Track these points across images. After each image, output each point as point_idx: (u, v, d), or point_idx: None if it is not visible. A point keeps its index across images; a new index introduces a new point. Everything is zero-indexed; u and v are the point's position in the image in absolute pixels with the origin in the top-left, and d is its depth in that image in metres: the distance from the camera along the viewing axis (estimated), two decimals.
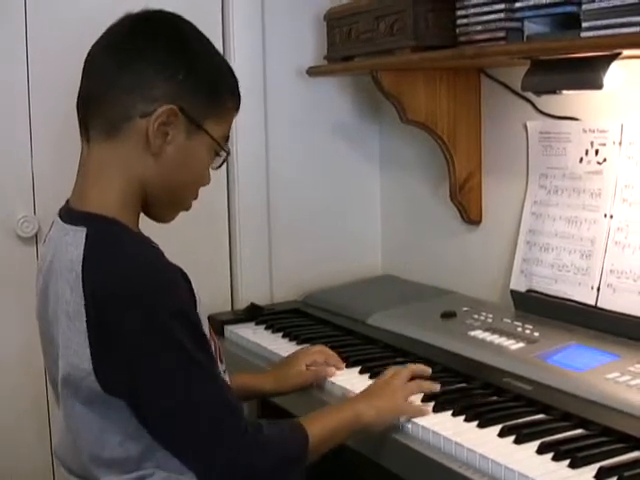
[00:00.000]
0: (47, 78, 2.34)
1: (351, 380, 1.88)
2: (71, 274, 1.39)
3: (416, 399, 1.71)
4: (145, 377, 1.37)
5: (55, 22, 2.35)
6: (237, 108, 1.59)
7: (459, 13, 2.00)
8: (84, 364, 1.38)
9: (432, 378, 1.82)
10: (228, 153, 1.58)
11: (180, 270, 1.45)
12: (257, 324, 2.40)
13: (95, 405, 1.41)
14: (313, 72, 2.61)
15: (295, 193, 2.73)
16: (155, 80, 1.45)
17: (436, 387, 1.75)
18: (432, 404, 1.68)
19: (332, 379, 1.89)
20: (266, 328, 2.36)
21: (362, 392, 1.73)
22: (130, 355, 1.36)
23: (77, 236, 1.42)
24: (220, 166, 1.59)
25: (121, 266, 1.38)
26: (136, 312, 1.35)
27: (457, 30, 2.01)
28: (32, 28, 2.33)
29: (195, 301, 1.47)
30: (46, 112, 2.35)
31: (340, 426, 1.59)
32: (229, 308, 2.65)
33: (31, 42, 2.33)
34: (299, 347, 2.13)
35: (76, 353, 1.38)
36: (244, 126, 2.51)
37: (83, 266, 1.38)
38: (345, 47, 2.41)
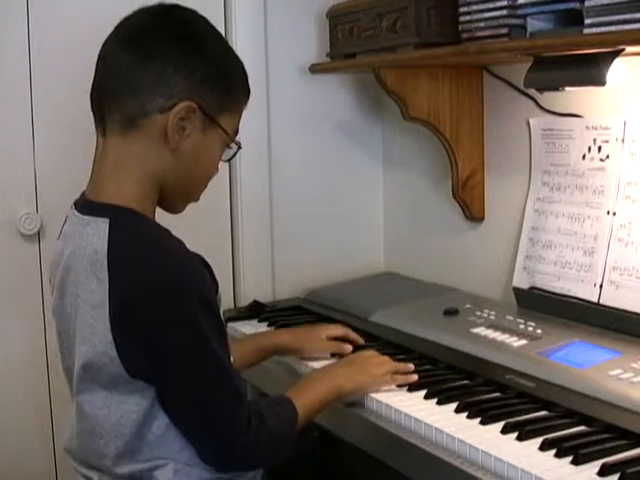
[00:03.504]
0: (50, 74, 2.34)
1: None
2: (96, 265, 1.41)
3: (419, 395, 1.72)
4: (167, 363, 1.41)
5: (57, 16, 2.34)
6: (247, 101, 1.62)
7: (461, 10, 1.99)
8: (109, 351, 1.40)
9: (436, 375, 1.85)
10: (240, 147, 1.61)
11: (201, 258, 1.47)
12: (260, 321, 2.40)
13: (117, 389, 1.43)
14: (315, 69, 2.61)
15: (297, 190, 2.73)
16: (174, 77, 1.46)
17: (410, 367, 1.81)
18: (435, 400, 1.69)
19: None
20: (269, 325, 2.36)
21: (341, 363, 1.83)
22: (154, 342, 1.40)
23: (100, 227, 1.44)
24: (231, 158, 1.63)
25: (145, 256, 1.41)
26: (161, 301, 1.39)
27: (459, 27, 2.01)
28: (34, 22, 2.32)
29: (217, 287, 1.51)
30: (49, 109, 2.35)
31: (322, 398, 1.66)
32: (232, 305, 2.65)
33: (33, 37, 2.32)
34: None
35: (101, 341, 1.40)
36: (247, 124, 2.49)
37: (108, 256, 1.41)
38: (347, 44, 2.40)
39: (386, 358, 1.84)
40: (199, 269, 1.45)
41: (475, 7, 1.95)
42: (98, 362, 1.42)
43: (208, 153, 1.55)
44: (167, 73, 1.46)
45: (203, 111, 1.49)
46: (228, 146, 1.59)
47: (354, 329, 2.22)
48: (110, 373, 1.42)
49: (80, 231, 1.48)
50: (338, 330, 2.06)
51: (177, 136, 1.48)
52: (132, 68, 1.47)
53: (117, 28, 1.52)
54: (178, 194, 1.57)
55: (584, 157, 2.08)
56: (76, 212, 1.52)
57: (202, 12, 1.58)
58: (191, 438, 1.47)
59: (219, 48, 1.56)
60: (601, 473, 1.35)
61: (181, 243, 1.46)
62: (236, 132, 1.60)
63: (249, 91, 1.61)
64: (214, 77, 1.50)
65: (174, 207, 1.60)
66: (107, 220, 1.44)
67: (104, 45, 1.52)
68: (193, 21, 1.54)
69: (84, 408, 1.48)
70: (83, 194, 1.56)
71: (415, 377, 1.79)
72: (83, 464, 1.55)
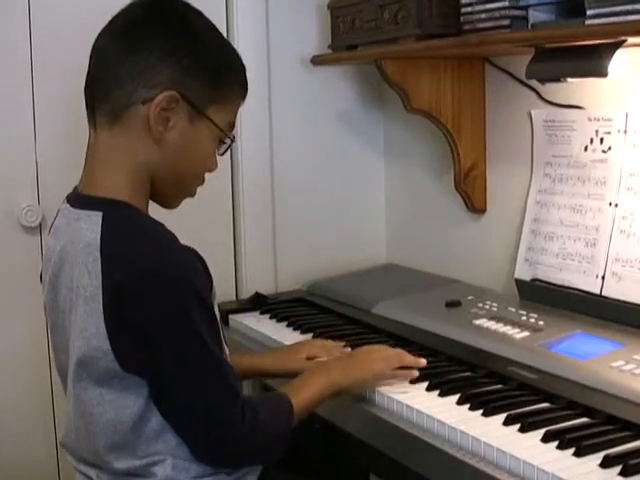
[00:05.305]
0: (51, 66, 2.34)
1: None
2: (88, 258, 1.41)
3: (421, 387, 1.73)
4: (161, 357, 1.41)
5: (58, 8, 2.35)
6: (243, 96, 1.59)
7: (463, 1, 1.99)
8: (103, 345, 1.40)
9: (437, 367, 1.84)
10: (232, 140, 1.58)
11: (195, 252, 1.47)
12: (261, 313, 2.40)
13: (111, 384, 1.43)
14: (317, 61, 2.60)
15: (299, 182, 2.73)
16: (158, 66, 1.45)
17: (423, 361, 1.78)
18: (437, 392, 1.69)
19: None
20: (270, 317, 2.36)
21: (341, 358, 1.81)
22: (148, 336, 1.39)
23: (93, 220, 1.44)
24: (224, 153, 1.60)
25: (140, 249, 1.40)
26: (156, 294, 1.38)
27: (461, 18, 2.00)
28: (35, 14, 2.32)
29: (211, 281, 1.50)
30: (50, 101, 2.35)
31: (318, 395, 1.65)
32: (233, 297, 2.66)
33: (34, 28, 2.32)
34: (303, 336, 2.14)
35: (94, 335, 1.40)
36: (248, 116, 2.50)
37: (101, 250, 1.40)
38: (349, 36, 2.40)
39: (391, 353, 1.79)
40: (193, 263, 1.44)
41: None
42: (92, 357, 1.41)
43: (198, 146, 1.53)
44: (151, 62, 1.44)
45: (188, 101, 1.47)
46: (222, 141, 1.56)
47: (355, 321, 2.23)
48: (104, 368, 1.41)
49: (73, 225, 1.47)
50: (321, 352, 1.90)
51: (161, 127, 1.47)
52: (118, 59, 1.46)
53: (111, 21, 1.51)
54: (170, 187, 1.55)
55: (586, 149, 2.07)
56: (68, 206, 1.52)
57: (204, 4, 1.57)
58: (183, 434, 1.46)
59: (211, 40, 1.53)
60: (603, 465, 1.35)
61: (174, 237, 1.45)
62: (232, 126, 1.57)
63: (245, 85, 1.58)
64: (201, 67, 1.48)
65: (168, 202, 1.59)
66: (100, 214, 1.44)
67: (97, 38, 1.51)
68: (186, 13, 1.52)
69: (79, 405, 1.48)
70: (76, 188, 1.56)
71: (416, 373, 1.76)
72: (81, 461, 1.54)
